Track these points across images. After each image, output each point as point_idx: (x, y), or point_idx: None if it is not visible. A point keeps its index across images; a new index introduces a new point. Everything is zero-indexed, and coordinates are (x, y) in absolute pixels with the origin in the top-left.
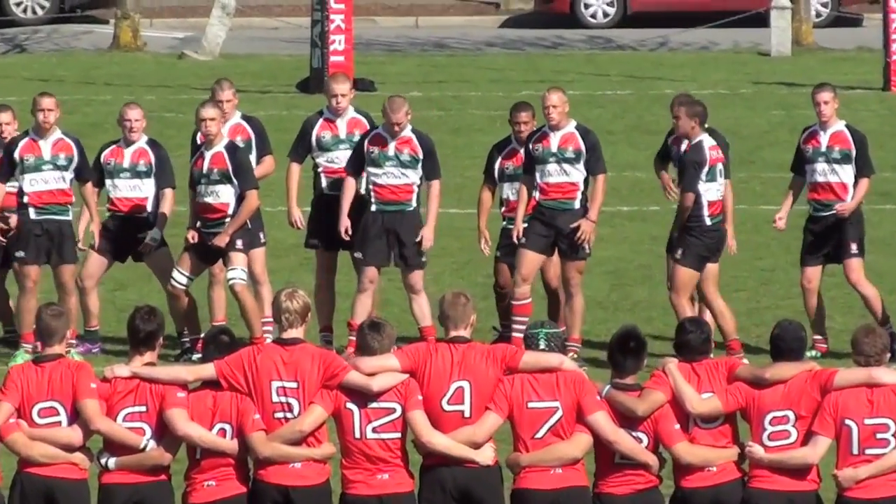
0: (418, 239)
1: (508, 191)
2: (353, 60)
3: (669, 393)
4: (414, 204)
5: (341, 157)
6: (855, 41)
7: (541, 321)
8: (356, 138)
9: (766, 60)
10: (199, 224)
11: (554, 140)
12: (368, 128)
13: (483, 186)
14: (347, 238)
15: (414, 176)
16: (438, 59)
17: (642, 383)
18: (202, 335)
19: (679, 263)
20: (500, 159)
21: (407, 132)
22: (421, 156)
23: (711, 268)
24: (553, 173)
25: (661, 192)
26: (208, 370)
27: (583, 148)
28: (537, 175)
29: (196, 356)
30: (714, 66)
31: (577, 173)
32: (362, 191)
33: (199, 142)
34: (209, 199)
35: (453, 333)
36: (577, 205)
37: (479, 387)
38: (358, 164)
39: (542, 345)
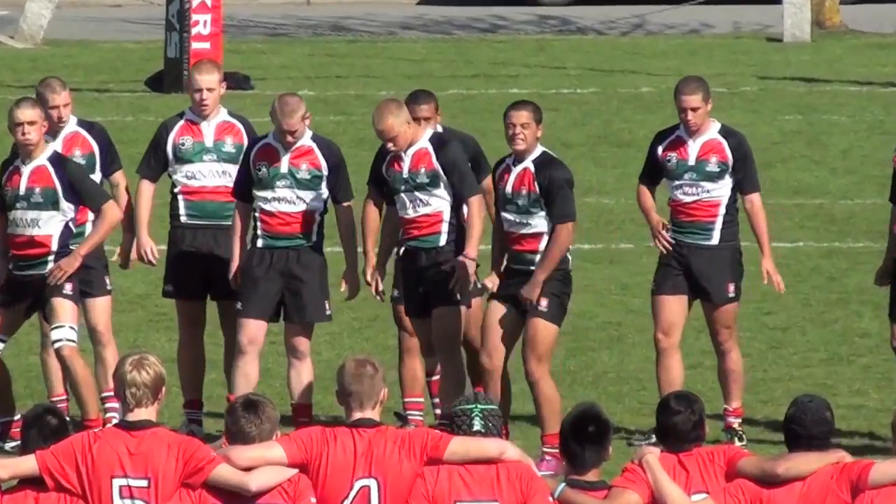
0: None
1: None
2: (223, 49)
3: (647, 494)
4: (315, 237)
5: (204, 171)
6: None
7: (474, 394)
8: (227, 148)
9: (776, 48)
10: (11, 265)
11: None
12: (245, 136)
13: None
14: (237, 287)
15: (314, 199)
16: (337, 46)
17: (610, 481)
18: (20, 416)
19: None
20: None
21: (306, 141)
22: (325, 171)
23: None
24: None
25: (634, 223)
26: (28, 464)
27: (437, 167)
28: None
29: (11, 444)
30: (707, 57)
31: (439, 200)
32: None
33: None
34: (27, 230)
35: (357, 415)
36: (441, 240)
37: (391, 486)
38: (248, 185)
39: (477, 426)
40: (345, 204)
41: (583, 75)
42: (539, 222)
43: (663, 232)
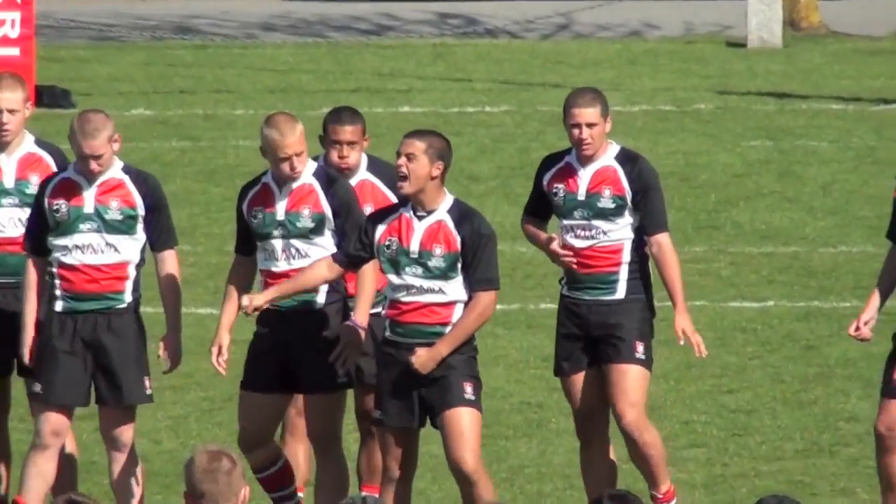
0: (147, 357)
1: None
2: (36, 56)
3: None
4: (129, 297)
5: (3, 218)
6: (891, 23)
7: (361, 498)
8: (31, 189)
9: (739, 55)
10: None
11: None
12: (55, 171)
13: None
14: (29, 363)
15: (130, 248)
16: (181, 53)
17: None
18: None
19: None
20: None
21: (115, 173)
22: (140, 211)
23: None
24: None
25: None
26: None
27: (325, 208)
28: None
29: None
30: (651, 66)
31: (320, 251)
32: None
33: None
34: None
35: None
36: (320, 298)
37: None
38: (42, 232)
39: None
40: (166, 251)
41: (493, 90)
42: (452, 289)
43: (556, 247)
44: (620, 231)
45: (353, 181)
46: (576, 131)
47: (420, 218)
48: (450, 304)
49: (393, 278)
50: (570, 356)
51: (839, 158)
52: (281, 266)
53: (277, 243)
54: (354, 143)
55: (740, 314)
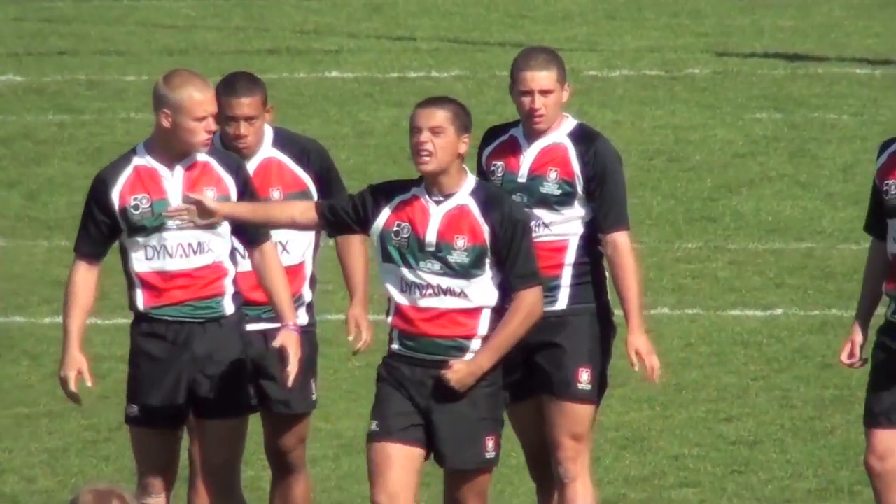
0: None
1: None
2: None
3: None
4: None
5: None
6: None
7: None
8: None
9: (742, 6)
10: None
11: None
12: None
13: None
14: None
15: None
16: (59, 7)
17: None
18: None
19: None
20: None
21: None
22: None
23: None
24: None
25: None
26: None
27: (231, 192)
28: None
29: None
30: (634, 20)
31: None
32: None
33: None
34: None
35: None
36: (227, 306)
37: None
38: None
39: None
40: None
41: (440, 50)
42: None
43: None
44: (565, 225)
45: (257, 160)
46: (525, 99)
47: (437, 203)
48: (475, 312)
49: (406, 273)
50: (511, 382)
51: (863, 135)
52: (177, 265)
53: (171, 236)
54: (253, 118)
55: (742, 325)
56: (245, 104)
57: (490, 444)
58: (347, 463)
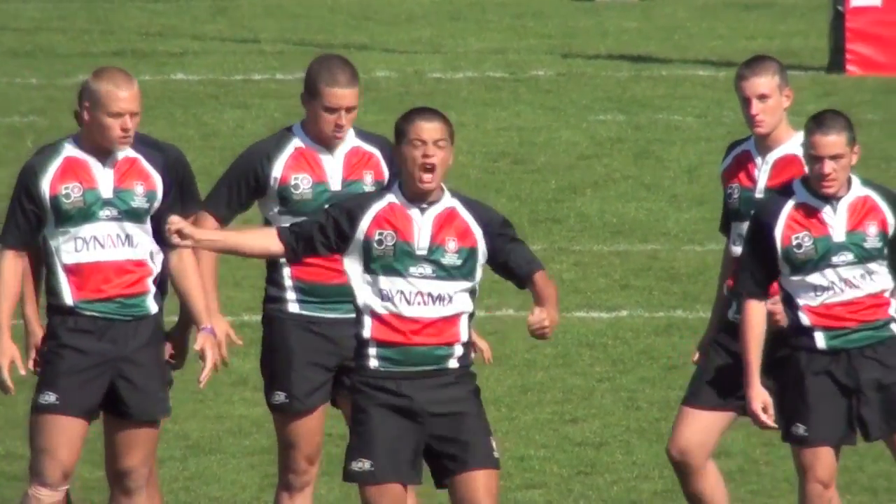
0: None
1: None
2: None
3: None
4: None
5: None
6: None
7: None
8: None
9: (586, 9)
10: None
11: None
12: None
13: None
14: None
15: None
16: None
17: None
18: None
19: None
20: None
21: None
22: None
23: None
24: None
25: None
26: None
27: (156, 183)
28: None
29: None
30: (478, 21)
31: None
32: None
33: None
34: None
35: None
36: (150, 304)
37: None
38: None
39: None
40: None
41: (285, 53)
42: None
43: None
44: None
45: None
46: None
47: (422, 210)
48: (456, 318)
49: (394, 282)
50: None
51: (707, 136)
52: (107, 255)
53: (102, 227)
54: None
55: (587, 326)
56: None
57: (495, 444)
58: (194, 464)
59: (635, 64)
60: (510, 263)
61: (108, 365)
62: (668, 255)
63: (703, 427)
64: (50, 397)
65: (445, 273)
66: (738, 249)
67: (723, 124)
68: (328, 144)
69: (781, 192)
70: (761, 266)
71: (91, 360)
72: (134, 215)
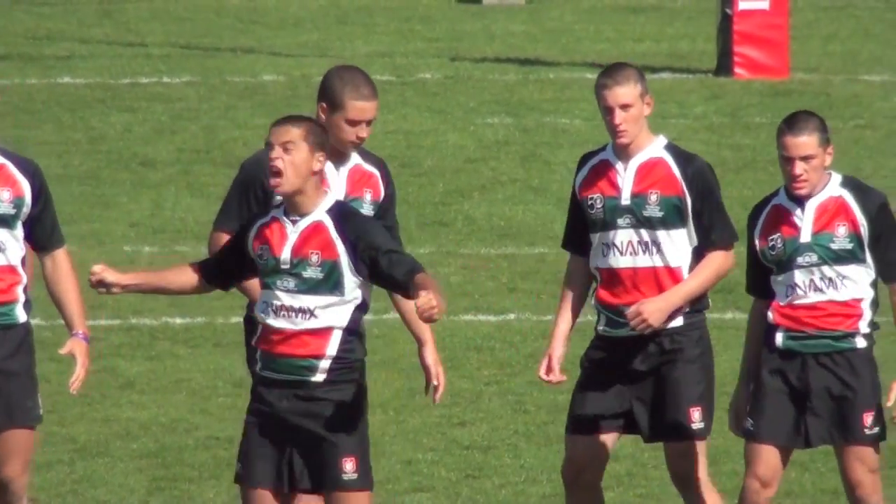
0: None
1: None
2: None
3: None
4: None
5: None
6: None
7: None
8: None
9: (474, 13)
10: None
11: None
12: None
13: None
14: None
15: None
16: None
17: None
18: None
19: None
20: None
21: None
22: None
23: None
24: None
25: None
26: None
27: (25, 193)
28: None
29: None
30: (365, 25)
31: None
32: None
33: None
34: None
35: None
36: (18, 314)
37: None
38: None
39: None
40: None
41: (172, 56)
42: None
43: None
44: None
45: None
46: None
47: (294, 222)
48: (324, 332)
49: (267, 294)
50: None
51: (595, 139)
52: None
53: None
54: None
55: (474, 330)
56: None
57: (353, 464)
58: (82, 467)
59: (522, 67)
60: (386, 271)
61: None
62: (555, 258)
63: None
64: None
65: (305, 286)
66: (604, 260)
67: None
68: (334, 158)
69: (768, 195)
70: (754, 267)
71: None
72: (1, 221)
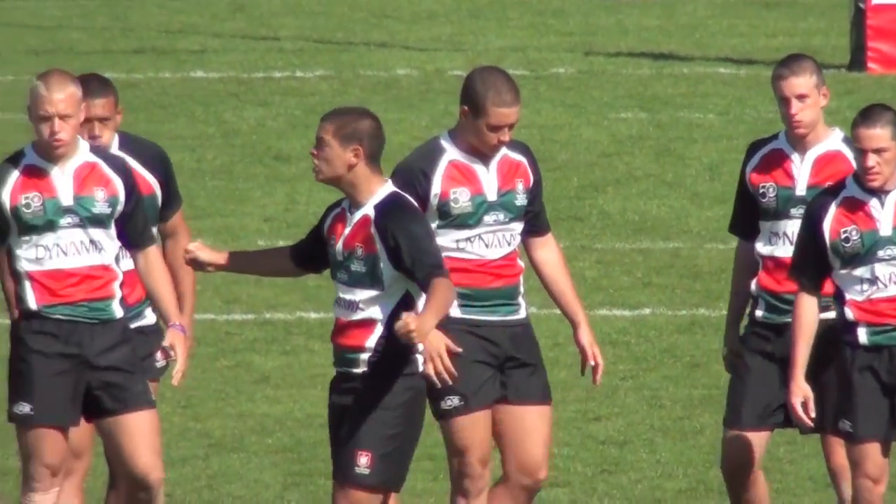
0: None
1: None
2: None
3: None
4: None
5: None
6: None
7: None
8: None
9: (607, 6)
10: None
11: None
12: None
13: None
14: None
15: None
16: None
17: None
18: None
19: None
20: None
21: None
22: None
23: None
24: None
25: None
26: None
27: (119, 191)
28: None
29: None
30: (499, 19)
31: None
32: None
33: None
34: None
35: None
36: (115, 309)
37: None
38: None
39: None
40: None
41: (305, 50)
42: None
43: None
44: None
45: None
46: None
47: (352, 213)
48: (369, 324)
49: (336, 287)
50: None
51: (729, 134)
52: (71, 262)
53: (65, 235)
54: (107, 120)
55: (610, 324)
56: (99, 105)
57: (364, 459)
58: (217, 462)
59: (656, 62)
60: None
61: (77, 366)
62: (690, 252)
63: (749, 446)
64: (24, 408)
65: (353, 279)
66: (771, 248)
67: (744, 122)
68: (483, 156)
69: (833, 186)
70: (813, 261)
71: (57, 363)
72: (97, 221)
